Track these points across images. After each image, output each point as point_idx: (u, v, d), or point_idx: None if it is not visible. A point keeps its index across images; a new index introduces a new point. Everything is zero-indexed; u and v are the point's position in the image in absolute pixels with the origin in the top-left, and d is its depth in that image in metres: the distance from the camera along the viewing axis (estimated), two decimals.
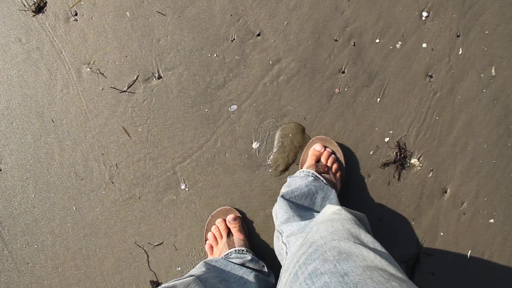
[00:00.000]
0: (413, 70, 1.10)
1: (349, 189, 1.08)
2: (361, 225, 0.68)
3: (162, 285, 0.70)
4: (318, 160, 1.01)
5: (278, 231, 0.81)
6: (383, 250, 0.58)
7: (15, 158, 1.07)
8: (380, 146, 1.09)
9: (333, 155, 1.02)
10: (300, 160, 1.05)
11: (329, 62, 1.09)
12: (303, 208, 0.87)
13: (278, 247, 0.79)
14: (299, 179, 0.93)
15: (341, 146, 1.06)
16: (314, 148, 1.02)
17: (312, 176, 0.93)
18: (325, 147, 1.03)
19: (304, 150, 1.05)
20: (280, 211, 0.85)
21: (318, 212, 0.85)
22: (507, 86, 1.11)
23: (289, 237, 0.75)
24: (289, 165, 1.07)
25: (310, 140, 1.05)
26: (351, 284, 0.45)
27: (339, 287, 0.45)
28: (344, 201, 1.06)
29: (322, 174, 0.96)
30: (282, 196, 0.88)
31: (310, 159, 1.01)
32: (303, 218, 0.81)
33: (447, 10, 1.12)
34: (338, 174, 1.01)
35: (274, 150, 1.06)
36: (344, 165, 1.04)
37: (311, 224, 0.71)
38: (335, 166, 1.01)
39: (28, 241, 1.07)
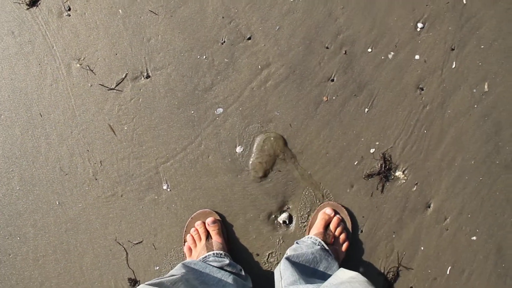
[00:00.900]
0: (404, 82, 1.08)
1: (331, 199, 1.08)
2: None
3: (149, 282, 0.72)
4: (327, 226, 1.02)
5: None
6: None
7: (1, 150, 1.09)
8: (365, 156, 1.08)
9: (342, 224, 1.03)
10: (309, 222, 1.06)
11: (319, 69, 1.08)
12: (307, 273, 0.89)
13: None
14: (306, 246, 0.95)
15: (350, 213, 1.06)
16: (324, 212, 1.03)
17: (319, 245, 0.95)
18: (335, 213, 1.04)
19: (314, 213, 1.06)
20: (286, 272, 0.86)
21: (321, 280, 0.87)
22: (499, 103, 1.09)
23: None
24: (268, 171, 1.06)
25: (321, 204, 1.06)
26: None
27: None
28: None
29: (329, 245, 0.98)
30: (288, 258, 0.89)
31: (319, 224, 1.02)
32: (307, 282, 0.83)
33: (443, 22, 1.10)
34: (344, 246, 1.02)
35: (253, 156, 1.06)
36: (352, 234, 1.05)
37: (325, 286, 0.74)
38: (342, 236, 1.02)
39: (11, 232, 1.09)
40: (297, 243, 1.00)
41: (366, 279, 0.73)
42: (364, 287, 0.67)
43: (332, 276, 0.81)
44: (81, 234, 1.08)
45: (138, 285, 1.03)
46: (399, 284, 1.07)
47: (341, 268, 0.84)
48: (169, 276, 0.79)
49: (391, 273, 1.06)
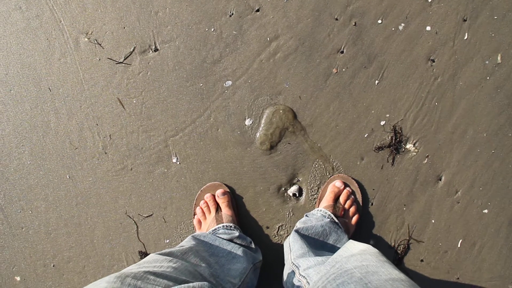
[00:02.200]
0: (415, 53, 1.07)
1: (341, 172, 1.07)
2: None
3: (159, 251, 0.72)
4: (336, 198, 1.01)
5: (294, 264, 0.82)
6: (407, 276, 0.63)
7: (12, 125, 1.09)
8: (375, 129, 1.07)
9: (352, 196, 1.02)
10: (319, 195, 1.05)
11: (328, 41, 1.07)
12: (316, 245, 0.89)
13: (294, 280, 0.80)
14: (315, 219, 0.94)
15: (360, 185, 1.05)
16: (334, 184, 1.02)
17: (328, 218, 0.94)
18: (345, 185, 1.02)
19: (324, 185, 1.05)
20: (295, 244, 0.86)
21: (330, 253, 0.86)
22: None
23: (307, 270, 0.77)
24: (275, 143, 1.05)
25: (332, 176, 1.05)
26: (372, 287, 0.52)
27: None
28: None
29: (338, 218, 0.96)
30: (297, 231, 0.89)
31: (328, 197, 1.01)
32: (316, 255, 0.82)
33: None
34: (354, 219, 1.01)
35: (260, 128, 1.05)
36: (362, 207, 1.04)
37: (335, 258, 0.74)
38: (352, 209, 1.01)
39: (23, 206, 1.10)
40: (306, 215, 0.99)
41: (377, 250, 0.72)
42: (375, 259, 0.66)
43: (341, 248, 0.81)
44: (92, 207, 1.08)
45: None
46: (410, 257, 1.06)
47: (351, 240, 0.83)
48: (179, 247, 0.79)
49: (402, 246, 1.06)
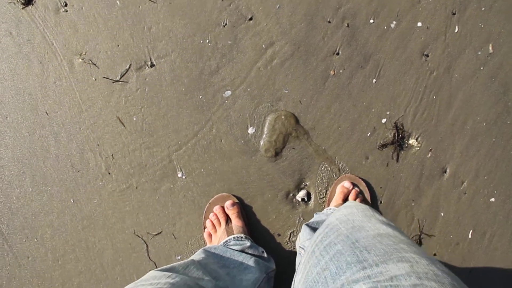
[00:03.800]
0: (409, 50, 1.08)
1: (347, 173, 1.07)
2: (376, 210, 0.70)
3: (160, 267, 0.70)
4: (345, 199, 1.02)
5: (300, 247, 0.83)
6: (395, 226, 0.60)
7: (11, 153, 1.07)
8: (377, 127, 1.07)
9: (360, 195, 1.03)
10: (328, 197, 1.05)
11: (323, 44, 1.07)
12: None
13: (297, 258, 0.81)
14: (325, 216, 0.94)
15: (368, 184, 1.05)
16: (343, 185, 1.03)
17: None
18: (354, 185, 1.03)
19: (332, 186, 1.05)
20: (303, 233, 0.87)
21: None
22: (505, 63, 1.09)
23: (304, 242, 0.78)
24: (279, 149, 1.05)
25: (339, 177, 1.05)
26: (361, 247, 0.48)
27: (350, 251, 0.47)
28: None
29: None
30: (307, 224, 0.90)
31: (337, 197, 1.02)
32: None
33: None
34: None
35: (263, 136, 1.06)
36: (371, 204, 1.04)
37: (326, 221, 0.73)
38: None
39: (28, 235, 1.07)
40: (316, 214, 1.00)
41: (366, 206, 0.69)
42: (361, 213, 0.62)
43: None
44: (99, 230, 1.06)
45: None
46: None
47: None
48: (182, 261, 0.77)
49: (414, 241, 1.06)
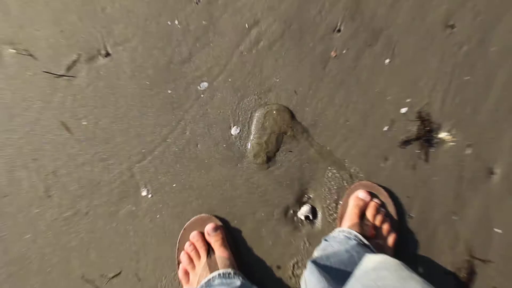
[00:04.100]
0: (429, 21, 0.90)
1: (362, 179, 0.84)
2: (411, 269, 0.61)
3: None
4: (363, 214, 0.80)
5: None
6: None
7: None
8: (396, 119, 0.87)
9: (383, 210, 0.81)
10: (339, 212, 0.83)
11: (320, 19, 0.89)
12: (340, 278, 0.67)
13: None
14: (338, 243, 0.75)
15: (391, 194, 0.83)
16: (357, 196, 0.81)
17: (355, 240, 0.74)
18: (372, 196, 0.81)
19: (344, 198, 0.83)
20: (311, 279, 0.67)
21: None
22: None
23: None
24: (272, 153, 0.85)
25: (352, 186, 0.83)
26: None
27: None
28: None
29: (369, 239, 0.75)
30: (314, 262, 0.70)
31: (352, 214, 0.80)
32: None
33: None
34: (391, 239, 0.79)
35: (251, 137, 0.86)
36: (398, 222, 0.81)
37: (348, 284, 0.62)
38: (386, 226, 0.79)
39: None
40: (325, 240, 0.78)
41: (397, 261, 0.61)
42: (394, 275, 0.56)
43: (357, 267, 0.65)
44: (33, 277, 0.81)
45: None
46: (478, 285, 0.82)
47: (367, 254, 0.67)
48: None
49: (464, 270, 0.82)
